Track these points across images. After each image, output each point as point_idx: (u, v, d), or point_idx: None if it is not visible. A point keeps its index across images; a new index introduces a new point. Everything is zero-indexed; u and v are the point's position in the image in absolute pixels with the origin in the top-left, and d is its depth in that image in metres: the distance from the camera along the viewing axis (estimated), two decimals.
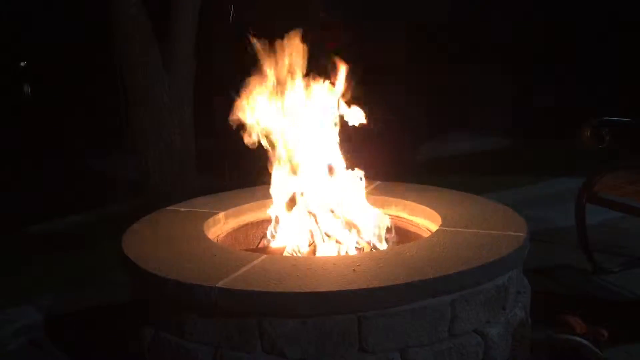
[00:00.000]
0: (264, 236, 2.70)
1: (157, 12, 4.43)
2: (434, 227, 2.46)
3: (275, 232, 2.63)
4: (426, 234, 2.53)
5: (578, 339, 2.31)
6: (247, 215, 2.85)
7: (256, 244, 2.79)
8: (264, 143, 2.62)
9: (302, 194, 2.57)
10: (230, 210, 2.79)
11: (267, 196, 2.74)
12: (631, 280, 3.03)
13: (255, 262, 2.07)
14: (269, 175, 2.68)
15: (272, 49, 2.58)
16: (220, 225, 2.72)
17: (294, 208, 2.59)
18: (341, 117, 2.66)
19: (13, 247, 4.19)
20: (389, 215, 2.79)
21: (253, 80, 2.60)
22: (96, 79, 7.86)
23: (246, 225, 2.86)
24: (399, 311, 1.88)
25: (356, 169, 2.67)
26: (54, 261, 3.81)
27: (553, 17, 7.45)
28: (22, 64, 9.81)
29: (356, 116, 2.63)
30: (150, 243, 2.34)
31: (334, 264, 2.04)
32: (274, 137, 2.63)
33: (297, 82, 2.61)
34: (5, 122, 8.24)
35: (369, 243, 2.49)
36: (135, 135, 4.45)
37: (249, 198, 2.89)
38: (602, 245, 3.37)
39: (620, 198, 2.92)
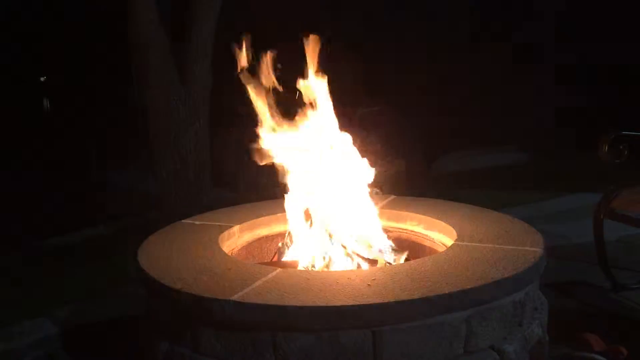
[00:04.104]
0: (278, 250, 2.70)
1: (174, 26, 4.49)
2: (449, 242, 2.45)
3: (290, 245, 2.63)
4: (441, 249, 2.51)
5: (596, 356, 2.28)
6: (261, 228, 2.86)
7: (270, 258, 2.79)
8: (278, 158, 2.64)
9: (316, 207, 2.58)
10: (245, 224, 2.79)
11: (282, 210, 2.74)
12: None
13: (270, 275, 2.06)
14: (283, 189, 2.69)
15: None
16: (235, 239, 2.73)
17: (309, 222, 2.59)
18: (355, 131, 2.66)
19: (30, 260, 4.23)
20: (404, 229, 2.78)
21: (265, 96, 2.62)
22: (114, 93, 7.97)
23: (261, 238, 2.86)
24: (414, 326, 1.86)
25: (371, 183, 2.67)
26: (70, 273, 3.84)
27: (577, 37, 7.45)
28: (42, 78, 9.98)
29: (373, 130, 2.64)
30: (165, 256, 2.35)
31: (349, 278, 2.03)
32: (288, 153, 2.64)
33: (311, 97, 2.62)
34: (24, 136, 8.37)
35: (383, 257, 2.48)
36: (151, 148, 4.49)
37: (264, 211, 2.90)
38: (621, 262, 3.32)
39: (639, 214, 2.88)
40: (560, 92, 7.44)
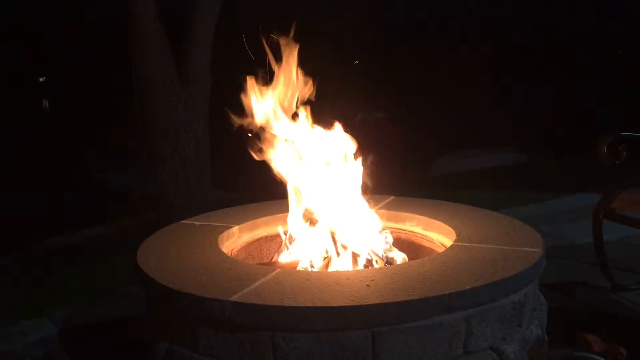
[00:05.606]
0: (278, 250, 2.70)
1: (173, 27, 4.49)
2: (448, 243, 2.45)
3: (289, 246, 2.63)
4: (440, 249, 2.51)
5: (596, 357, 2.28)
6: (261, 229, 2.86)
7: (270, 258, 2.79)
8: (278, 159, 2.64)
9: (316, 208, 2.58)
10: (245, 224, 2.79)
11: (281, 210, 2.74)
12: None
13: (269, 276, 2.06)
14: (282, 189, 2.69)
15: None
16: (235, 239, 2.73)
17: (308, 222, 2.59)
18: (355, 131, 2.66)
19: (30, 260, 4.24)
20: (404, 230, 2.78)
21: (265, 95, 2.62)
22: (114, 94, 7.97)
23: (260, 239, 2.86)
24: (413, 327, 1.86)
25: (371, 184, 2.67)
26: (68, 274, 3.84)
27: (577, 39, 7.46)
28: (41, 79, 9.98)
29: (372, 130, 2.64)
30: (164, 256, 2.35)
31: (348, 278, 2.03)
32: (288, 155, 2.64)
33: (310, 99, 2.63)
34: (24, 137, 8.38)
35: (382, 258, 2.48)
36: (150, 149, 4.50)
37: (263, 212, 2.90)
38: (620, 262, 3.32)
39: (638, 214, 2.88)
40: (560, 93, 7.45)
